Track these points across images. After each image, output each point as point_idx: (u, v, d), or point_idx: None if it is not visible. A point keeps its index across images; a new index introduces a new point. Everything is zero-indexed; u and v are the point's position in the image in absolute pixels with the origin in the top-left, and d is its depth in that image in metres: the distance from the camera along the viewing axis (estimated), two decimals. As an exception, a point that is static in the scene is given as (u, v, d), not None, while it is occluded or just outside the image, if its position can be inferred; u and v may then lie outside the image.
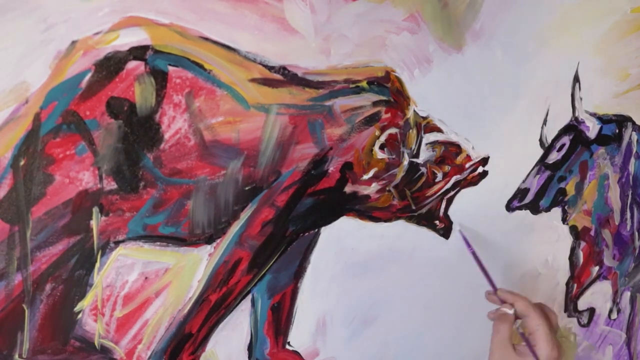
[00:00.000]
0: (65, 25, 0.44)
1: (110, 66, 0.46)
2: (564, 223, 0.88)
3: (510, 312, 0.68)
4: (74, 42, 0.45)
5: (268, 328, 0.63)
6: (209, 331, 0.59)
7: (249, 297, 0.61)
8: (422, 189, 0.70)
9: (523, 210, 0.83)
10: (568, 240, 0.90)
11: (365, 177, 0.65)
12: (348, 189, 0.64)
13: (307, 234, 0.63)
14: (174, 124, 0.51)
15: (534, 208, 0.84)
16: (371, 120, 0.63)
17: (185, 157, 0.52)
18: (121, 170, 0.49)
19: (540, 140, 0.80)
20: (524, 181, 0.81)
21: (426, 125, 0.67)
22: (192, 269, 0.56)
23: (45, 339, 0.49)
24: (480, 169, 0.74)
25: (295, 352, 0.66)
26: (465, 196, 0.75)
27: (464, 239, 0.73)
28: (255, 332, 0.63)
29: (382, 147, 0.64)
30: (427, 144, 0.68)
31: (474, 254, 0.72)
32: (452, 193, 0.73)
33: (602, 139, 0.87)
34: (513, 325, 0.68)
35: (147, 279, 0.54)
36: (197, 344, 0.59)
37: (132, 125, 0.49)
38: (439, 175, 0.70)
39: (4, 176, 0.44)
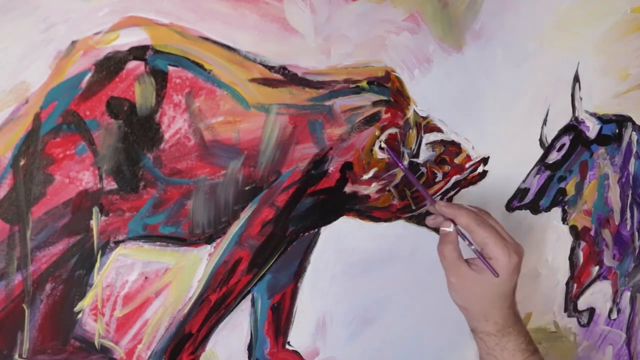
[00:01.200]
0: (65, 25, 0.44)
1: (110, 66, 0.46)
2: (564, 223, 0.88)
3: (450, 229, 0.61)
4: (74, 42, 0.44)
5: (268, 328, 0.63)
6: (209, 331, 0.59)
7: (249, 297, 0.61)
8: (422, 189, 0.70)
9: (523, 210, 0.83)
10: (568, 240, 0.90)
11: (365, 177, 0.65)
12: (348, 189, 0.64)
13: (307, 234, 0.63)
14: (174, 124, 0.51)
15: (534, 208, 0.84)
16: (371, 120, 0.63)
17: (185, 157, 0.52)
18: (121, 170, 0.49)
19: (540, 140, 0.80)
20: (524, 181, 0.81)
21: (426, 125, 0.67)
22: (192, 269, 0.56)
23: (45, 339, 0.49)
24: (480, 169, 0.74)
25: (295, 352, 0.66)
26: (465, 196, 0.75)
27: (391, 155, 0.64)
28: (255, 332, 0.63)
29: (382, 147, 0.64)
30: (427, 144, 0.68)
31: (405, 169, 0.64)
32: (452, 193, 0.73)
33: (602, 139, 0.87)
34: (459, 242, 0.62)
35: (147, 278, 0.54)
36: (197, 343, 0.59)
37: (132, 125, 0.48)
38: (439, 175, 0.71)
39: (4, 176, 0.44)
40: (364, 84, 0.61)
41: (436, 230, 0.74)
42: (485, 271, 0.59)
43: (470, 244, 0.61)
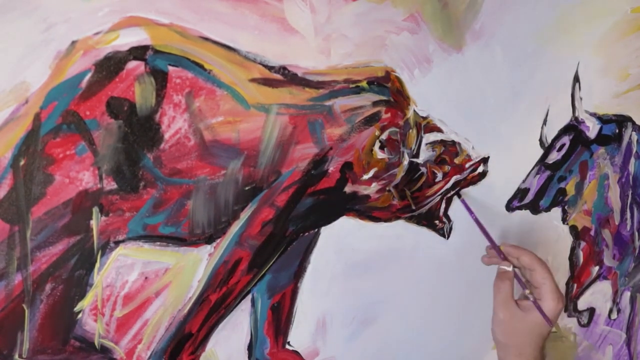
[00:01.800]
0: (65, 25, 0.44)
1: (110, 66, 0.46)
2: (564, 223, 0.88)
3: (509, 268, 0.68)
4: (74, 42, 0.44)
5: (268, 328, 0.63)
6: (209, 331, 0.59)
7: (249, 297, 0.61)
8: (422, 189, 0.70)
9: (523, 210, 0.83)
10: (568, 240, 0.90)
11: (365, 177, 0.65)
12: (348, 189, 0.64)
13: (307, 234, 0.63)
14: (174, 124, 0.51)
15: (534, 208, 0.84)
16: (371, 120, 0.63)
17: (185, 157, 0.52)
18: (121, 170, 0.49)
19: (540, 140, 0.80)
20: (524, 181, 0.81)
21: (426, 125, 0.67)
22: (192, 269, 0.56)
23: (45, 339, 0.49)
24: (480, 169, 0.74)
25: (295, 352, 0.66)
26: (465, 196, 0.75)
27: (464, 206, 0.73)
28: (255, 332, 0.63)
29: (382, 147, 0.64)
30: (427, 144, 0.68)
31: (476, 220, 0.72)
32: (452, 193, 0.73)
33: (602, 139, 0.87)
34: (514, 282, 0.68)
35: (147, 279, 0.54)
36: (197, 343, 0.59)
37: (132, 125, 0.48)
38: (439, 175, 0.71)
39: (4, 176, 0.44)
40: (364, 84, 0.61)
41: (436, 230, 0.74)
42: (531, 312, 0.66)
43: (523, 286, 0.68)
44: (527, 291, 0.68)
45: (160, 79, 0.49)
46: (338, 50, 0.58)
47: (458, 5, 0.64)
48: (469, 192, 0.74)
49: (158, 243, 0.53)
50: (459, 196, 0.73)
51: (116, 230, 0.51)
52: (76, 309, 0.51)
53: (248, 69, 0.53)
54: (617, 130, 0.89)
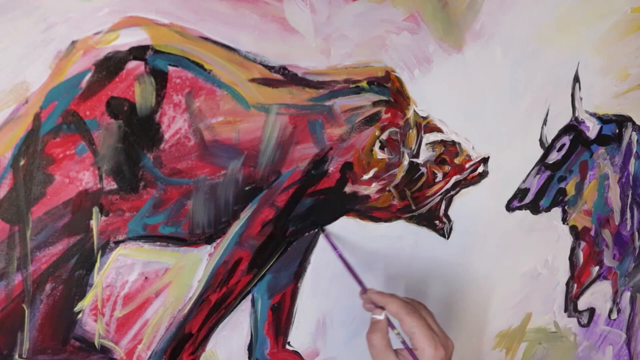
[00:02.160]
0: (65, 25, 0.44)
1: (110, 66, 0.46)
2: (564, 223, 0.88)
3: (381, 317, 0.61)
4: (74, 42, 0.44)
5: (268, 328, 0.63)
6: (209, 331, 0.59)
7: (249, 297, 0.61)
8: (422, 189, 0.70)
9: (523, 210, 0.83)
10: (568, 240, 0.90)
11: (366, 177, 0.65)
12: (348, 189, 0.64)
13: (307, 234, 0.63)
14: (174, 124, 0.51)
15: (534, 208, 0.84)
16: (371, 120, 0.63)
17: (185, 157, 0.52)
18: (121, 170, 0.49)
19: (540, 140, 0.80)
20: (524, 181, 0.81)
21: (426, 125, 0.67)
22: (192, 269, 0.56)
23: (45, 339, 0.49)
24: (480, 169, 0.74)
25: (295, 352, 0.66)
26: (465, 196, 0.75)
27: (329, 242, 0.66)
28: (255, 332, 0.63)
29: (382, 147, 0.64)
30: (427, 144, 0.68)
31: (340, 256, 0.66)
32: (452, 193, 0.73)
33: (602, 139, 0.87)
34: (389, 330, 0.61)
35: (147, 279, 0.54)
36: (197, 344, 0.59)
37: (132, 125, 0.48)
38: (439, 175, 0.71)
39: (4, 176, 0.44)
40: (364, 84, 0.61)
41: (436, 230, 0.74)
42: None
43: (398, 333, 0.61)
44: (394, 331, 0.61)
45: (160, 79, 0.49)
46: (338, 50, 0.58)
47: (458, 5, 0.64)
48: (333, 227, 0.67)
49: (158, 243, 0.53)
50: (323, 231, 0.66)
51: (116, 230, 0.51)
52: (76, 309, 0.51)
53: (248, 69, 0.53)
54: (617, 130, 0.89)
